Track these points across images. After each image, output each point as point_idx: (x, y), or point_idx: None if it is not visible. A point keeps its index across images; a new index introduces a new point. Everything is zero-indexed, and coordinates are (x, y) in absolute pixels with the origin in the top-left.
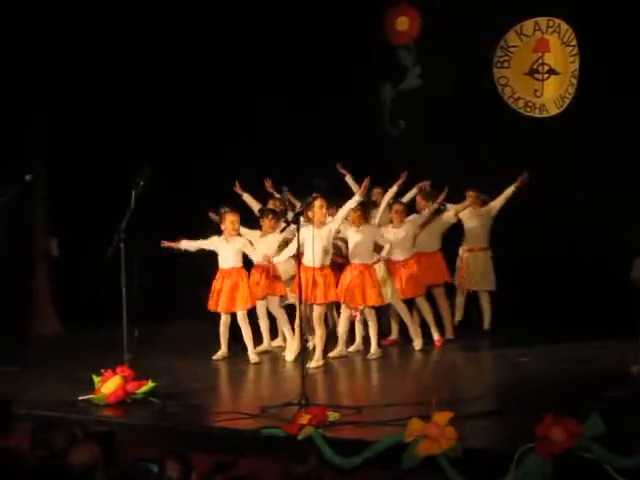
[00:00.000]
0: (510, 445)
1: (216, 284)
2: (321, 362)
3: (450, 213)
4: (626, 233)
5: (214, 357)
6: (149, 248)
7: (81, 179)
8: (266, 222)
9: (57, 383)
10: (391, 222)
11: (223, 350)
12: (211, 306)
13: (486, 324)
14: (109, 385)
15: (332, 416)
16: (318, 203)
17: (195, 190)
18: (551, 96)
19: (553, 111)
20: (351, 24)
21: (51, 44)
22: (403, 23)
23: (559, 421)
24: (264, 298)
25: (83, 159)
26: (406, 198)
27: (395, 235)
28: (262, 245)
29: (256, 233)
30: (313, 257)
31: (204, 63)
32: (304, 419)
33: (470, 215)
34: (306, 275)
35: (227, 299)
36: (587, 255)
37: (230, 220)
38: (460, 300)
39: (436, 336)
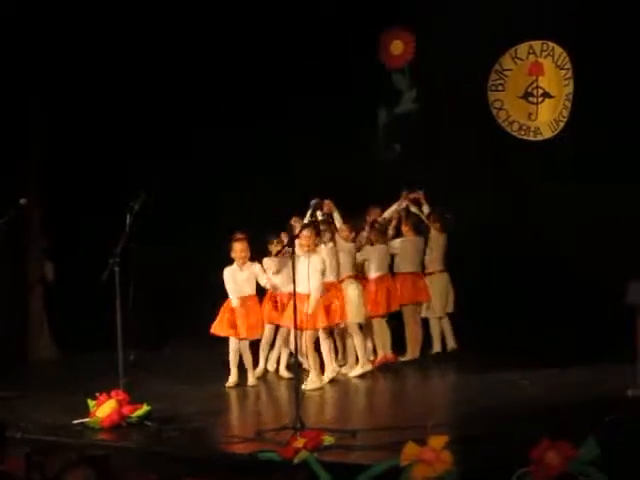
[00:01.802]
0: (506, 469)
1: (232, 311)
2: (318, 384)
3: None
4: (621, 257)
5: (227, 384)
6: (144, 272)
7: (76, 203)
8: (273, 248)
9: (52, 407)
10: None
11: (234, 378)
12: (222, 331)
13: (449, 345)
14: (104, 409)
15: (327, 440)
16: (306, 232)
17: (191, 213)
18: (545, 119)
19: (547, 134)
20: (345, 48)
21: (48, 63)
22: (398, 47)
23: (555, 445)
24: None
25: (78, 183)
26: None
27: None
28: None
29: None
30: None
31: (200, 85)
32: (299, 443)
33: (434, 238)
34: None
35: (246, 326)
36: (583, 278)
37: (239, 249)
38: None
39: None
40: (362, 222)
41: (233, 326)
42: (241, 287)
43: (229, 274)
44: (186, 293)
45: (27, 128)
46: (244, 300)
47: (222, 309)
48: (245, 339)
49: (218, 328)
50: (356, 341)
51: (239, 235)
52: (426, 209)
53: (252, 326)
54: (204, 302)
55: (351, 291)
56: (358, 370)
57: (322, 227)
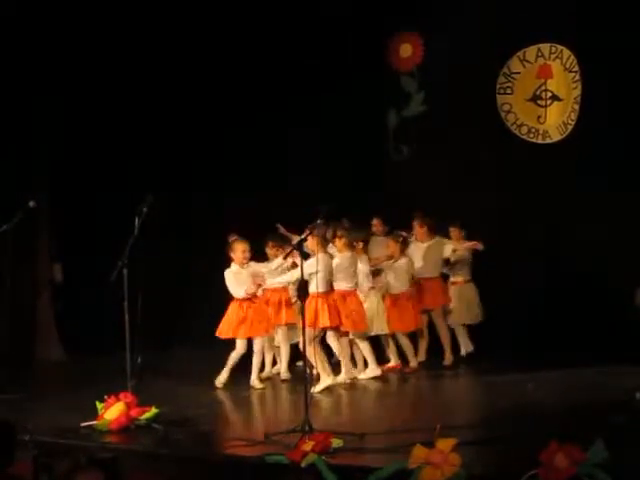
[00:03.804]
0: (514, 472)
1: (239, 312)
2: (328, 382)
3: (449, 247)
4: (630, 259)
5: (218, 383)
6: (152, 274)
7: (85, 205)
8: (272, 252)
9: (60, 409)
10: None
11: (225, 376)
12: (229, 333)
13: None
14: (112, 411)
15: (335, 443)
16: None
17: (196, 218)
18: (554, 122)
19: (556, 137)
20: (354, 52)
21: (57, 64)
22: (406, 50)
23: (563, 447)
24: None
25: (87, 184)
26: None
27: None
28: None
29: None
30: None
31: (204, 92)
32: (307, 446)
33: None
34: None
35: (252, 326)
36: (588, 283)
37: (241, 249)
38: (461, 331)
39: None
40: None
41: (241, 326)
42: (247, 286)
43: (232, 275)
44: (193, 295)
45: (35, 129)
46: (247, 299)
47: (229, 311)
48: (256, 337)
49: (225, 331)
50: (362, 347)
51: (236, 236)
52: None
53: (259, 325)
54: (211, 304)
55: (371, 302)
56: (368, 374)
57: (339, 233)
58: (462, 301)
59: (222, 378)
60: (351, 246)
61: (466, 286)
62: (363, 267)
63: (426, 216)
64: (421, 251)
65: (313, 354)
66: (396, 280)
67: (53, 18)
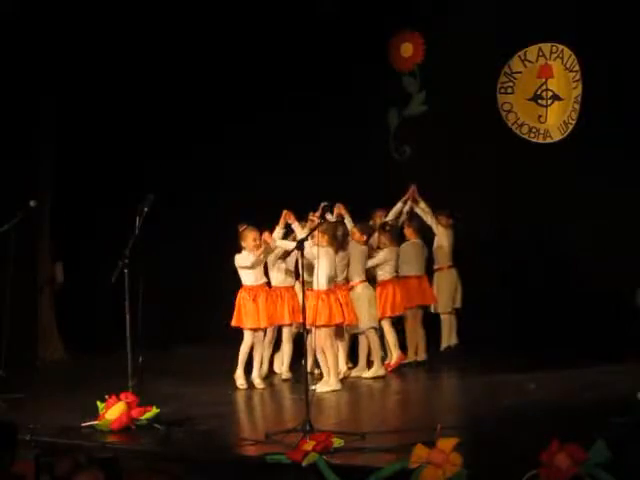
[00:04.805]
0: (515, 471)
1: (247, 302)
2: (333, 386)
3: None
4: (625, 261)
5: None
6: (152, 274)
7: (86, 205)
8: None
9: (61, 409)
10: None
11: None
12: (253, 323)
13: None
14: (113, 411)
15: (336, 442)
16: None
17: (196, 217)
18: (555, 122)
19: (557, 137)
20: (355, 51)
21: (57, 75)
22: (407, 49)
23: (565, 447)
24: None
25: (88, 184)
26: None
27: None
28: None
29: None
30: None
31: (205, 88)
32: (308, 445)
33: (444, 234)
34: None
35: (267, 314)
36: (587, 283)
37: (252, 237)
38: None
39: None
40: (371, 226)
41: (255, 316)
42: (258, 275)
43: (245, 259)
44: (194, 295)
45: (37, 130)
46: (261, 288)
47: (240, 300)
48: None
49: (238, 320)
50: (372, 343)
51: (245, 225)
52: (422, 205)
53: (272, 314)
54: (212, 304)
55: (366, 295)
56: (371, 373)
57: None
58: (448, 287)
59: (260, 377)
60: (341, 245)
61: (449, 272)
62: (357, 258)
63: (414, 218)
64: (405, 250)
65: (332, 354)
66: (380, 268)
67: (56, 18)
